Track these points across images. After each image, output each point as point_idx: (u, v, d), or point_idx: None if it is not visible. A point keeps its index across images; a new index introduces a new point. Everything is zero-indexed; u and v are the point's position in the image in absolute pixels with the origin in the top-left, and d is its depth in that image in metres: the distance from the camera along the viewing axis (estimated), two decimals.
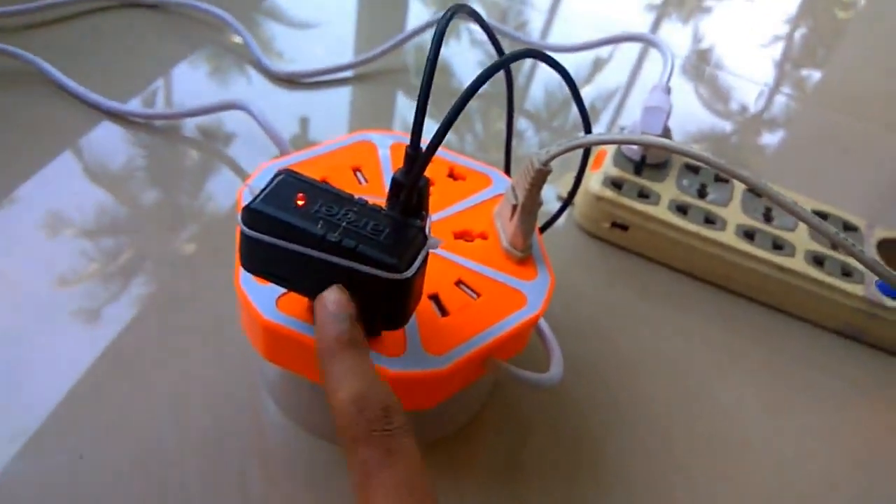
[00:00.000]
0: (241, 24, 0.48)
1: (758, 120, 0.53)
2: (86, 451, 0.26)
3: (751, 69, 0.59)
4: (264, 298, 0.24)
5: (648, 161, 0.39)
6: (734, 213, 0.38)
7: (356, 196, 0.22)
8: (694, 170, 0.40)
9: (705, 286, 0.38)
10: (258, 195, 0.21)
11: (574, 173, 0.31)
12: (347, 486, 0.26)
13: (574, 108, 0.47)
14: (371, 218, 0.21)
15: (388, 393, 0.19)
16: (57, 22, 0.46)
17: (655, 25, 0.63)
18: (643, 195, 0.38)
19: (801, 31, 0.69)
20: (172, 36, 0.48)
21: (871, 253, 0.38)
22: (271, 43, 0.49)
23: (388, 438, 0.18)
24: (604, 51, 0.55)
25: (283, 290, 0.24)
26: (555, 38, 0.57)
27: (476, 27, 0.54)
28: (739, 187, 0.40)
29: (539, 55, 0.23)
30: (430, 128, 0.20)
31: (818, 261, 0.37)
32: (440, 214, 0.28)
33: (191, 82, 0.44)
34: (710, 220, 0.38)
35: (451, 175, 0.30)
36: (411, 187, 0.21)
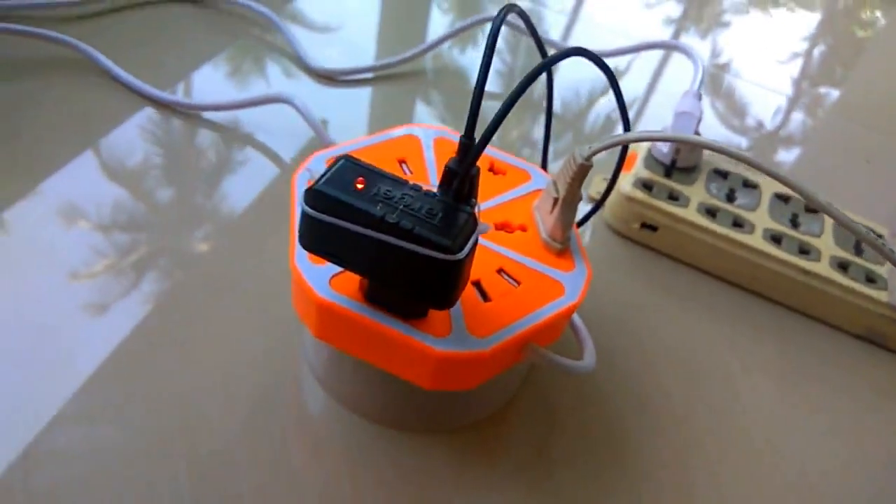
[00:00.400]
0: (279, 21, 0.49)
1: (774, 136, 0.54)
2: (137, 421, 0.27)
3: (768, 85, 0.59)
4: (318, 278, 0.25)
5: (678, 165, 0.40)
6: (762, 218, 0.39)
7: (412, 182, 0.23)
8: (722, 175, 0.41)
9: (732, 288, 0.39)
10: (320, 178, 0.22)
11: (604, 175, 0.32)
12: (384, 465, 0.27)
13: (591, 113, 0.48)
14: (426, 203, 0.22)
15: None
16: (108, 13, 0.48)
17: (675, 38, 0.64)
18: (673, 197, 0.39)
19: (820, 48, 0.69)
20: (215, 30, 0.49)
21: None
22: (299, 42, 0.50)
23: None
24: (622, 61, 0.56)
25: (336, 270, 0.25)
26: (575, 42, 0.58)
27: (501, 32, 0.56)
28: (767, 193, 0.41)
29: (586, 54, 0.24)
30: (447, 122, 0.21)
31: (843, 266, 0.38)
32: (482, 206, 0.30)
33: (228, 75, 0.46)
34: (738, 224, 0.39)
35: (492, 170, 0.32)
36: (464, 175, 0.22)
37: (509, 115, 0.22)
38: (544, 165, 0.34)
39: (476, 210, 0.23)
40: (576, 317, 0.31)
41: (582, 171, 0.26)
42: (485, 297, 0.26)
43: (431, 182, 0.30)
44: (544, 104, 0.47)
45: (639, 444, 0.31)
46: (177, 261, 0.33)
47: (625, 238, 0.40)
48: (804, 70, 0.64)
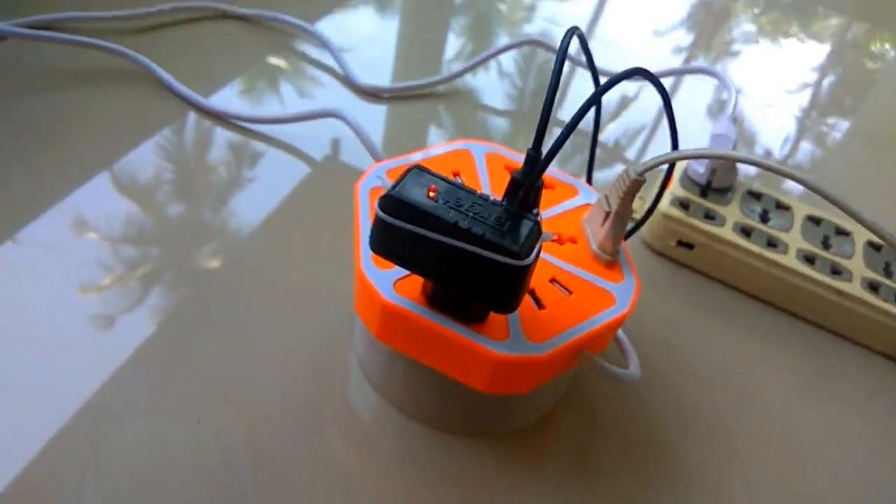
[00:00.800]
0: (325, 38, 0.51)
1: (783, 163, 0.54)
2: (203, 417, 0.29)
3: (777, 113, 0.60)
4: (383, 281, 0.26)
5: (714, 185, 0.42)
6: (795, 239, 0.40)
7: (480, 191, 0.24)
8: (756, 196, 0.43)
9: (765, 306, 0.40)
10: (394, 186, 0.23)
11: (639, 195, 0.33)
12: (434, 466, 0.28)
13: (602, 135, 0.49)
14: (494, 211, 0.23)
15: None
16: (162, 27, 0.50)
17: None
18: (709, 217, 0.40)
19: (830, 78, 0.70)
20: (261, 45, 0.51)
21: None
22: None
23: None
24: (630, 89, 0.57)
25: (400, 274, 0.26)
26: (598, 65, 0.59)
27: (507, 57, 0.57)
28: (800, 215, 0.42)
29: (644, 74, 0.26)
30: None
31: (874, 287, 0.39)
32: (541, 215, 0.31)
33: (276, 89, 0.47)
34: (772, 244, 0.40)
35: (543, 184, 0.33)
36: (531, 185, 0.24)
37: (543, 134, 0.23)
38: (589, 181, 0.36)
39: (540, 219, 0.24)
40: (620, 330, 0.32)
41: (635, 186, 0.27)
42: (539, 304, 0.27)
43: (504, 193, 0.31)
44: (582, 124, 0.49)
45: (678, 454, 0.32)
46: (199, 268, 0.35)
47: (661, 255, 0.41)
48: (814, 100, 0.65)
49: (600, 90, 0.24)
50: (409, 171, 0.24)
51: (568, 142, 0.43)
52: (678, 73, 0.52)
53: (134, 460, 0.27)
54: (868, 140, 0.60)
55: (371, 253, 0.27)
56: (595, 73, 0.30)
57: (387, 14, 0.59)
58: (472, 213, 0.23)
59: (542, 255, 0.29)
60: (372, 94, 0.49)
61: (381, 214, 0.23)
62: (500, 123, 0.49)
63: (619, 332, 0.32)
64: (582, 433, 0.31)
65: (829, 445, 0.34)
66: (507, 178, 0.31)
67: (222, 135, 0.42)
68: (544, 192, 0.33)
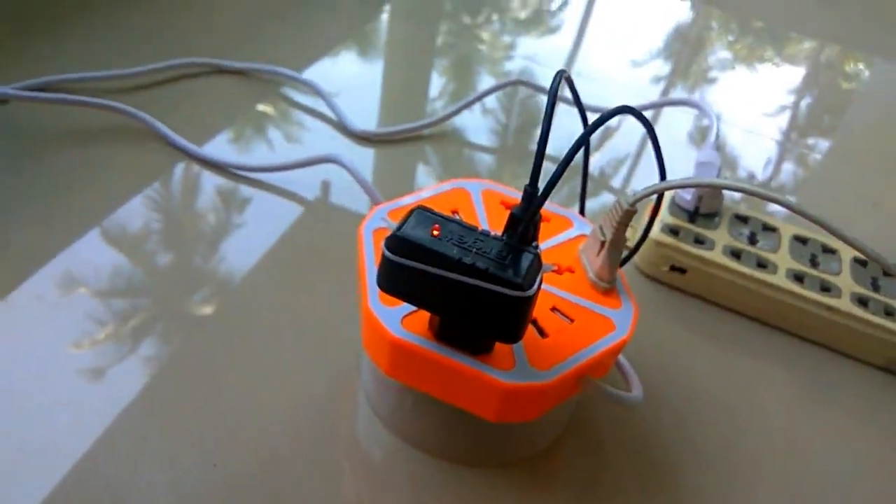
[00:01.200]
0: (319, 87, 0.53)
1: (767, 185, 0.56)
2: (219, 461, 0.29)
3: (758, 137, 0.62)
4: (391, 318, 0.27)
5: (701, 211, 0.43)
6: (783, 259, 0.42)
7: (480, 228, 0.25)
8: (743, 219, 0.44)
9: (759, 325, 0.41)
10: (399, 226, 0.24)
11: (631, 224, 0.34)
12: (446, 498, 0.29)
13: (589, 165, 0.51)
14: (495, 246, 0.24)
15: None
16: (160, 84, 0.51)
17: (664, 96, 0.66)
18: (698, 241, 0.42)
19: (807, 100, 0.72)
20: (255, 98, 0.52)
21: None
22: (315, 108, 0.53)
23: None
24: (614, 119, 0.58)
25: (406, 310, 0.27)
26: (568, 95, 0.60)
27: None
28: (787, 236, 0.43)
29: (631, 111, 0.27)
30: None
31: (863, 302, 0.40)
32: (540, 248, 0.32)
33: (274, 140, 0.49)
34: (761, 265, 0.41)
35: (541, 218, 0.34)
36: (529, 220, 0.25)
37: (538, 171, 0.25)
38: (582, 212, 0.37)
39: (539, 251, 0.25)
40: (621, 355, 0.33)
41: (627, 216, 0.29)
42: (542, 333, 0.28)
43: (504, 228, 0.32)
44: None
45: (684, 475, 0.32)
46: (196, 315, 0.36)
47: (654, 281, 0.43)
48: (792, 121, 0.67)
49: (589, 130, 0.25)
50: (412, 211, 0.25)
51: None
52: (660, 106, 0.54)
53: None
54: (848, 158, 0.62)
55: (377, 291, 0.28)
56: (583, 113, 0.32)
57: (370, 59, 0.61)
58: (475, 249, 0.24)
59: (542, 285, 0.30)
60: (363, 139, 0.50)
61: (388, 254, 0.24)
62: (486, 160, 0.51)
63: (620, 356, 0.33)
64: (589, 458, 0.32)
65: (829, 458, 0.35)
66: (503, 213, 0.32)
67: (223, 185, 0.43)
68: (542, 225, 0.34)
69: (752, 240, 0.43)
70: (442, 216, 0.25)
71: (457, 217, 0.25)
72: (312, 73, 0.57)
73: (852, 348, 0.40)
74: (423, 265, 0.24)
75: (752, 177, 0.56)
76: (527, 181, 0.25)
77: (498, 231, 0.27)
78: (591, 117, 0.26)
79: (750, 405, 0.36)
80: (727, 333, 0.40)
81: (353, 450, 0.31)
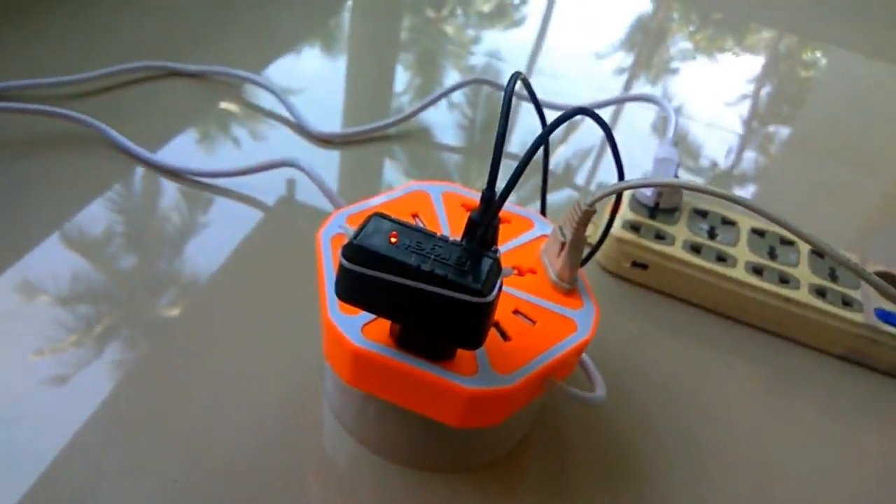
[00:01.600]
0: (276, 89, 0.52)
1: (728, 174, 0.57)
2: (179, 476, 0.29)
3: (719, 126, 0.63)
4: (351, 327, 0.27)
5: (661, 206, 0.43)
6: (742, 252, 0.42)
7: (438, 233, 0.25)
8: (702, 214, 0.44)
9: (720, 318, 0.41)
10: (356, 234, 0.24)
11: (593, 221, 0.34)
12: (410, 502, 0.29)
13: (552, 160, 0.51)
14: (454, 252, 0.24)
15: None
16: (112, 89, 0.50)
17: (627, 87, 0.67)
18: (659, 237, 0.42)
19: (767, 89, 0.73)
20: (212, 101, 0.52)
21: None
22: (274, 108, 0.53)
23: None
24: (576, 116, 0.59)
25: (366, 319, 0.27)
26: (540, 97, 0.61)
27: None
28: (745, 229, 0.44)
29: (587, 113, 0.27)
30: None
31: (820, 293, 0.41)
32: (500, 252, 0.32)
33: (230, 142, 0.48)
34: (721, 258, 0.41)
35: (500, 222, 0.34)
36: (488, 224, 0.25)
37: (496, 176, 0.25)
38: (543, 212, 0.37)
39: (499, 255, 0.25)
40: (584, 353, 0.33)
41: (587, 217, 0.29)
42: (504, 336, 0.28)
43: (444, 233, 0.32)
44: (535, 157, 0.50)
45: (650, 467, 0.33)
46: (158, 320, 0.35)
47: (617, 277, 0.43)
48: (753, 110, 0.68)
49: (546, 132, 0.25)
50: (369, 218, 0.25)
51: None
52: (619, 102, 0.54)
53: None
54: (807, 145, 0.63)
55: (337, 300, 0.27)
56: (542, 114, 0.32)
57: (334, 56, 0.61)
58: (433, 256, 0.24)
59: (504, 287, 0.30)
60: (325, 141, 0.50)
61: (346, 263, 0.24)
62: (453, 158, 0.51)
63: (584, 356, 0.33)
64: (554, 458, 0.32)
65: (792, 446, 0.35)
66: (465, 216, 0.32)
67: (177, 191, 0.42)
68: (501, 227, 0.34)
69: (712, 234, 0.43)
70: (400, 222, 0.25)
71: (417, 223, 0.25)
72: (274, 73, 0.56)
73: (811, 338, 0.41)
74: (381, 273, 0.23)
75: (714, 166, 0.57)
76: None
77: (458, 235, 0.27)
78: (553, 115, 0.26)
79: (714, 397, 0.37)
80: (689, 327, 0.41)
81: (317, 459, 0.30)
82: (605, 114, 0.60)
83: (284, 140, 0.49)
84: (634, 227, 0.42)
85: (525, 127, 0.56)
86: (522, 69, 0.65)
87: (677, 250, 0.41)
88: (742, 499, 0.32)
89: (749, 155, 0.60)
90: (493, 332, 0.28)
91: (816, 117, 0.70)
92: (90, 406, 0.30)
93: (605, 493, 0.31)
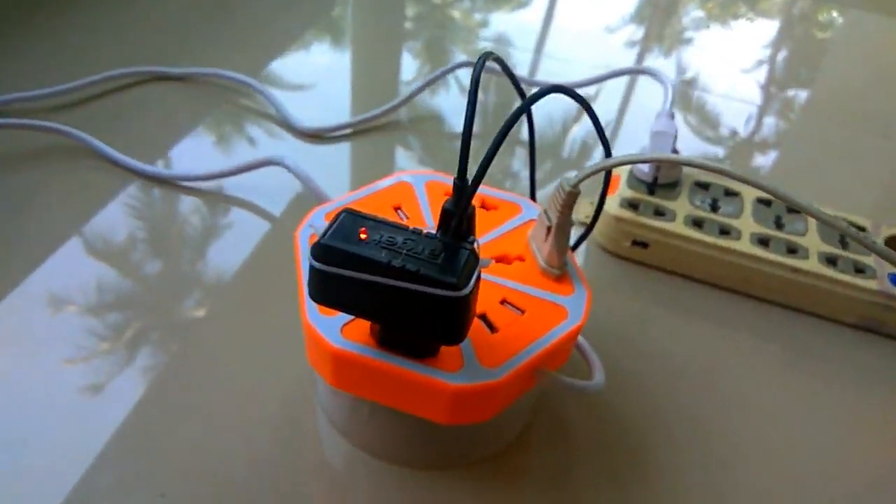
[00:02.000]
0: (263, 87, 0.51)
1: (750, 142, 0.55)
2: (167, 490, 0.28)
3: (737, 94, 0.61)
4: (330, 328, 0.26)
5: (660, 181, 0.42)
6: (747, 223, 0.41)
7: (411, 227, 0.24)
8: (704, 186, 0.43)
9: (727, 293, 0.40)
10: (325, 233, 0.23)
11: (590, 200, 0.33)
12: None
13: (568, 141, 0.50)
14: (427, 245, 0.23)
15: None
16: (96, 98, 0.50)
17: (639, 60, 0.66)
18: (659, 213, 0.41)
19: (783, 53, 0.71)
20: (199, 102, 0.51)
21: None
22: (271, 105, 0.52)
23: None
24: (593, 88, 0.58)
25: (345, 319, 0.26)
26: (542, 76, 0.60)
27: (465, 74, 0.58)
28: (749, 199, 0.42)
29: (564, 90, 0.26)
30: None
31: (831, 261, 0.39)
32: (479, 242, 0.31)
33: (218, 144, 0.47)
34: (724, 231, 0.40)
35: (484, 206, 0.33)
36: (461, 214, 0.23)
37: (466, 162, 0.24)
38: (533, 196, 0.36)
39: (476, 246, 0.24)
40: (581, 338, 0.32)
41: (571, 199, 0.27)
42: (492, 328, 0.27)
43: (428, 224, 0.31)
44: (524, 138, 0.49)
45: (656, 455, 0.31)
46: (179, 329, 0.34)
47: (618, 257, 0.42)
48: (770, 76, 0.66)
49: (516, 113, 0.24)
50: (338, 215, 0.24)
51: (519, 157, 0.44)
52: (612, 77, 0.52)
53: None
54: (825, 110, 0.61)
55: None
56: (520, 90, 0.30)
57: (338, 50, 0.60)
58: (405, 251, 0.23)
59: (490, 277, 0.29)
60: (315, 136, 0.49)
61: (315, 263, 0.23)
62: (450, 147, 0.49)
63: (583, 342, 0.32)
64: (555, 449, 0.31)
65: (809, 424, 0.34)
66: None
67: (163, 197, 0.42)
68: (489, 214, 0.33)
69: (714, 206, 0.42)
70: (370, 217, 0.24)
71: (400, 216, 0.24)
72: (274, 71, 0.55)
73: (823, 308, 0.39)
74: (351, 272, 0.23)
75: (733, 135, 0.55)
76: (496, 169, 0.24)
77: None
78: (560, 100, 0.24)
79: (722, 376, 0.35)
80: (694, 305, 0.39)
81: (311, 464, 0.29)
82: (615, 88, 0.59)
83: (275, 138, 0.48)
84: (633, 205, 0.41)
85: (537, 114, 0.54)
86: (531, 51, 0.64)
87: (678, 226, 0.40)
88: (755, 484, 0.31)
89: (769, 121, 0.58)
90: (479, 324, 0.27)
91: (834, 80, 0.68)
92: (81, 425, 0.30)
93: (610, 484, 0.30)
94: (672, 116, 0.43)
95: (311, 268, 0.23)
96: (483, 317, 0.27)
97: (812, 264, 0.39)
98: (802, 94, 0.63)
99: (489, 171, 0.24)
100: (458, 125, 0.51)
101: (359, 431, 0.30)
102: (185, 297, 0.36)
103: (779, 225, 0.41)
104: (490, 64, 0.49)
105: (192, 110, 0.50)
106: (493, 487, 0.29)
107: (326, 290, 0.24)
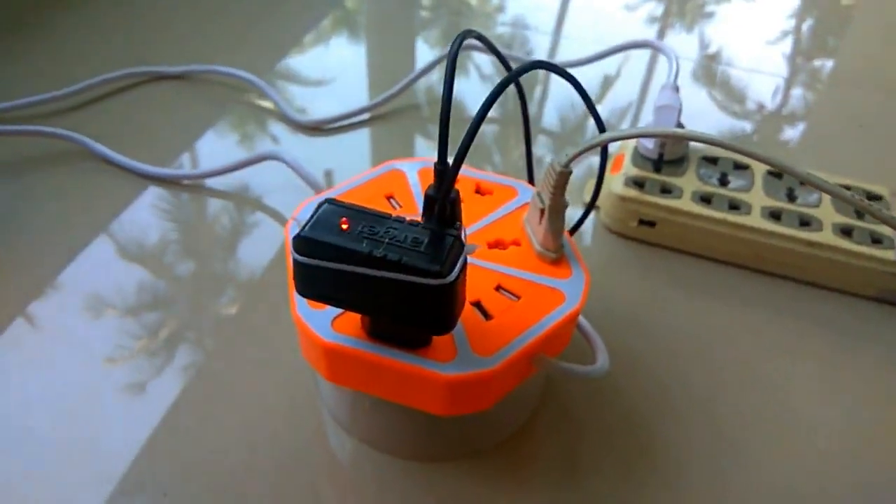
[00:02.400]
0: (261, 82, 0.51)
1: (777, 115, 0.54)
2: (169, 490, 0.28)
3: (763, 66, 0.60)
4: (320, 322, 0.25)
5: (666, 158, 0.41)
6: (758, 197, 0.39)
7: (394, 215, 0.23)
8: (712, 161, 0.42)
9: (737, 270, 0.39)
10: (305, 224, 0.23)
11: (595, 179, 0.32)
12: (418, 498, 0.28)
13: (590, 123, 0.49)
14: (410, 232, 0.22)
15: None
16: (98, 100, 0.50)
17: (660, 36, 0.65)
18: (666, 190, 0.39)
19: (808, 23, 0.69)
20: (199, 101, 0.51)
21: None
22: (292, 101, 0.51)
23: None
24: (611, 67, 0.57)
25: (336, 312, 0.26)
26: (562, 58, 0.59)
27: (485, 59, 0.57)
28: (759, 172, 0.41)
29: (546, 66, 0.25)
30: (452, 151, 0.21)
31: (846, 232, 0.38)
32: (472, 228, 0.30)
33: (221, 141, 0.47)
34: (734, 207, 0.39)
35: (478, 191, 0.32)
36: (444, 199, 0.23)
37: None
38: (530, 179, 0.35)
39: (461, 232, 0.23)
40: (584, 321, 0.31)
41: (562, 179, 0.27)
42: (486, 315, 0.26)
43: (420, 211, 0.30)
44: (542, 123, 0.48)
45: (665, 439, 0.31)
46: (206, 329, 0.34)
47: (624, 237, 0.41)
48: (796, 46, 0.64)
49: (496, 91, 0.23)
50: (320, 206, 0.23)
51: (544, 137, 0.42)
52: (615, 53, 0.51)
53: None
54: (854, 76, 0.59)
55: None
56: (505, 63, 0.29)
57: (354, 43, 0.59)
58: (387, 240, 0.22)
59: (485, 263, 0.28)
60: (315, 129, 0.48)
61: (297, 256, 0.22)
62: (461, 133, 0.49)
63: (587, 325, 0.31)
64: (563, 436, 0.30)
65: (829, 403, 0.32)
66: None
67: (164, 196, 0.42)
68: (484, 199, 0.32)
69: (723, 181, 0.40)
70: (352, 207, 0.23)
71: (392, 205, 0.24)
72: (293, 62, 0.55)
73: (840, 282, 0.38)
74: (333, 264, 0.22)
75: (761, 108, 0.54)
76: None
77: None
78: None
79: (733, 356, 0.34)
80: (704, 283, 0.38)
81: (316, 460, 0.29)
82: (632, 70, 0.57)
83: (275, 132, 0.48)
84: (638, 183, 0.40)
85: (557, 100, 0.53)
86: (549, 34, 0.63)
87: (686, 203, 0.38)
88: (770, 467, 0.30)
89: (796, 93, 0.56)
90: (473, 312, 0.26)
91: (861, 47, 0.65)
92: (91, 422, 0.30)
93: (618, 469, 0.29)
94: (677, 90, 0.42)
95: (294, 261, 0.23)
96: (477, 304, 0.27)
97: (826, 236, 0.37)
98: (829, 64, 0.61)
99: (494, 159, 0.23)
100: (466, 110, 0.50)
101: (362, 426, 0.30)
102: (215, 294, 0.36)
103: (791, 197, 0.40)
104: (514, 52, 0.48)
105: (191, 108, 0.50)
106: (500, 477, 0.29)
107: (311, 284, 0.23)
